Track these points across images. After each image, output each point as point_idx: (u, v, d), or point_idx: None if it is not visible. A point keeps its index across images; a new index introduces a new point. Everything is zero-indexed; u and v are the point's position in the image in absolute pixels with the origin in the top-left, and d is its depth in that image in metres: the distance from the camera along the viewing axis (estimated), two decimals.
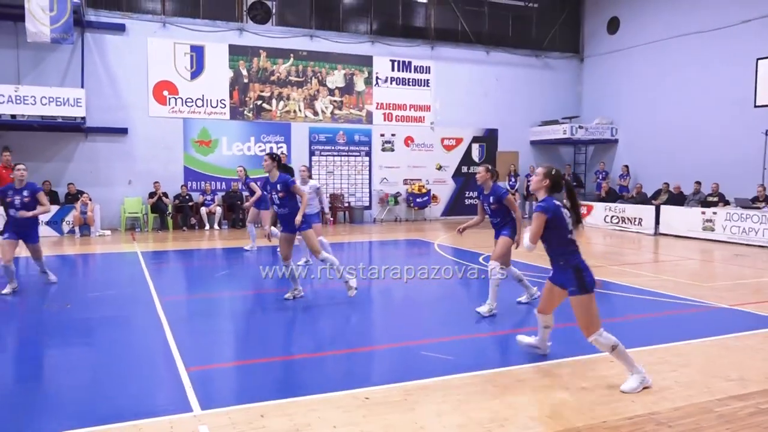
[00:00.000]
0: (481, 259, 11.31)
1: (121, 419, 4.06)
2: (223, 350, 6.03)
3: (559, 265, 4.76)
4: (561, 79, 22.33)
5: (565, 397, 4.44)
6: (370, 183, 19.95)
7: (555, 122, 21.23)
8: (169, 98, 17.57)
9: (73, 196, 15.94)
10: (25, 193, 8.03)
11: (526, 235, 4.73)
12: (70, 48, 16.16)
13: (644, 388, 4.56)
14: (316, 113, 19.30)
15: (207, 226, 17.14)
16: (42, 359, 5.54)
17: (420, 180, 20.42)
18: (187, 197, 17.21)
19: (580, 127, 20.57)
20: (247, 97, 18.44)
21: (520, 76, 21.62)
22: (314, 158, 19.22)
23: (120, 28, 16.97)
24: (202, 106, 17.93)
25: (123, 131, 16.99)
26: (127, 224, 16.84)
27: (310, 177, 10.55)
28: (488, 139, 21.40)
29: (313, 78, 19.20)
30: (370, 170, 19.92)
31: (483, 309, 7.06)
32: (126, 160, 17.12)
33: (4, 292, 7.96)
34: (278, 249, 7.81)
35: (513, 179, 20.48)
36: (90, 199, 15.81)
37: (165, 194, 17.02)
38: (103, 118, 16.57)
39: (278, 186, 7.40)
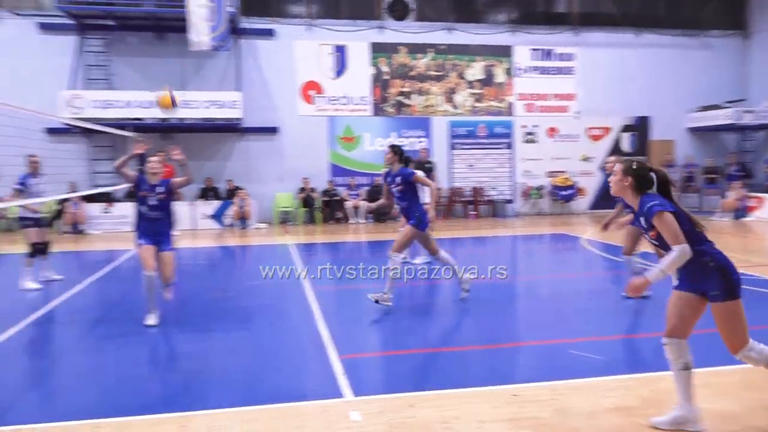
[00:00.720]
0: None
1: (278, 400, 4.32)
2: (373, 340, 6.22)
3: (693, 266, 3.62)
4: (721, 60, 20.41)
5: (733, 408, 4.06)
6: (512, 176, 19.55)
7: (716, 107, 19.46)
8: (315, 97, 18.38)
9: (232, 192, 17.22)
10: (160, 189, 6.60)
11: (665, 261, 3.56)
12: (227, 54, 17.43)
13: None
14: (455, 107, 19.25)
15: (352, 220, 17.74)
16: (209, 342, 6.01)
17: (564, 172, 19.66)
18: (333, 192, 17.94)
19: (747, 111, 18.69)
20: (387, 93, 18.82)
21: (674, 58, 20.05)
22: (455, 152, 19.18)
23: (270, 33, 18.03)
24: (346, 103, 18.56)
25: (274, 130, 18.05)
26: (279, 218, 17.88)
27: (418, 170, 10.57)
28: (639, 127, 20.11)
29: (452, 71, 19.15)
30: (512, 163, 19.51)
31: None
32: (277, 158, 18.16)
33: (148, 322, 6.40)
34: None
35: (669, 170, 19.06)
36: (247, 195, 16.99)
37: (313, 189, 17.86)
38: (256, 119, 17.68)
39: (398, 178, 7.22)
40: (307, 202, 17.73)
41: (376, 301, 6.88)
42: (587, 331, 6.26)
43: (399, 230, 8.15)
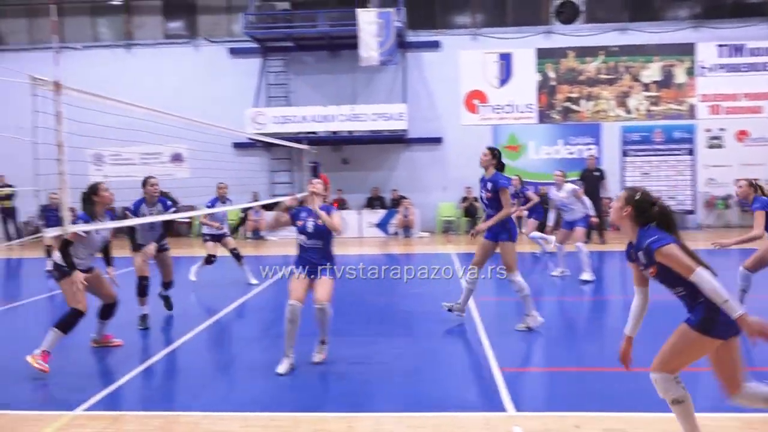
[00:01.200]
0: None
1: (441, 408, 4.35)
2: (534, 354, 6.05)
3: (686, 302, 3.45)
4: None
5: None
6: (693, 185, 17.97)
7: None
8: (479, 106, 18.34)
9: (396, 201, 17.72)
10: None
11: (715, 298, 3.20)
12: (394, 68, 18.00)
13: None
14: (628, 111, 18.14)
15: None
16: (374, 345, 6.18)
17: (757, 179, 17.64)
18: None
19: None
20: (554, 100, 18.24)
21: None
22: (627, 159, 18.08)
23: (435, 45, 18.33)
24: (510, 112, 18.29)
25: (438, 140, 18.28)
26: (442, 227, 18.04)
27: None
28: None
29: (626, 74, 18.08)
30: (693, 170, 17.94)
31: None
32: (440, 168, 18.36)
33: (279, 371, 5.31)
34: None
35: None
36: (411, 204, 17.38)
37: (476, 199, 17.79)
38: (421, 129, 18.03)
39: (488, 185, 6.76)
40: (469, 211, 17.70)
41: (529, 329, 6.55)
42: None
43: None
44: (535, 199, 12.23)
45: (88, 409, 4.50)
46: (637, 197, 3.52)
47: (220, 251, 9.89)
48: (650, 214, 3.48)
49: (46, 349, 5.34)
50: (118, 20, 19.62)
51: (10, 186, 17.13)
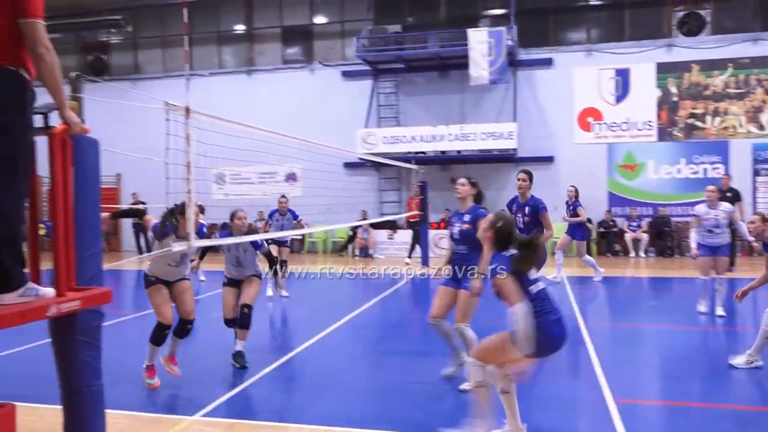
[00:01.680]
0: None
1: None
2: (651, 385, 5.68)
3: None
4: None
5: None
6: None
7: None
8: (594, 124, 17.71)
9: None
10: (466, 218, 5.59)
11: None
12: (504, 86, 17.80)
13: None
14: (761, 127, 16.80)
15: (632, 253, 16.54)
16: None
17: None
18: (611, 223, 16.98)
19: None
20: (676, 116, 17.26)
21: None
22: (759, 179, 16.72)
23: (548, 63, 17.94)
24: (627, 129, 17.51)
25: (549, 159, 17.81)
26: (552, 248, 17.46)
27: (720, 200, 8.52)
28: None
29: (758, 87, 16.79)
30: None
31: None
32: (551, 187, 17.81)
33: (446, 372, 5.64)
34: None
35: None
36: None
37: (589, 220, 17.10)
38: (532, 148, 17.65)
39: (526, 209, 6.76)
40: None
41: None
42: None
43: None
44: (583, 217, 11.95)
45: (205, 416, 4.75)
46: (499, 224, 3.96)
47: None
48: (507, 243, 3.91)
49: (149, 363, 5.56)
50: (241, 48, 20.87)
51: (142, 203, 18.58)
